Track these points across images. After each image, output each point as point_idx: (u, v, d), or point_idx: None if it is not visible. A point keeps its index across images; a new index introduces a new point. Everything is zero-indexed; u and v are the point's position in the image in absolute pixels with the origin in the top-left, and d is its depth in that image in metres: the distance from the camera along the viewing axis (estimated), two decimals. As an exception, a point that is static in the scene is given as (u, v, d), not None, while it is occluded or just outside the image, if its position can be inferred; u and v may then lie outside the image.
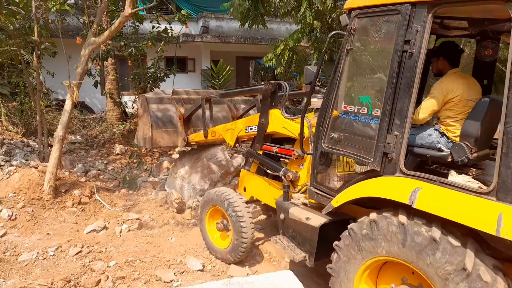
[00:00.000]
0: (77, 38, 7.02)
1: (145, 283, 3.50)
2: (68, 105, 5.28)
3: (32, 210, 4.77)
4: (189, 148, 5.58)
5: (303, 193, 3.36)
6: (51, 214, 4.84)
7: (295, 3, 7.43)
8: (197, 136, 4.93)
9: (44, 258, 3.85)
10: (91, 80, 8.63)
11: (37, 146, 7.20)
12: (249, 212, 3.62)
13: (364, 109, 2.62)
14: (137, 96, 10.04)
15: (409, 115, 2.38)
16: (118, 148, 8.02)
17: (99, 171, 6.61)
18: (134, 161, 7.42)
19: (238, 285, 2.73)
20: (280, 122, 3.55)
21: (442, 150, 2.86)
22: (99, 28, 6.87)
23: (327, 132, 2.86)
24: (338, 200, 2.70)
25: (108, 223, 4.69)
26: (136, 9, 5.54)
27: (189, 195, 5.28)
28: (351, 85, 2.83)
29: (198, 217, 4.11)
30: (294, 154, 3.36)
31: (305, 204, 3.30)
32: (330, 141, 2.84)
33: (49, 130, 7.36)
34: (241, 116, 5.11)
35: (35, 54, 6.54)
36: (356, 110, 2.68)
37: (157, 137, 4.91)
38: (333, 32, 2.84)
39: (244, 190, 4.15)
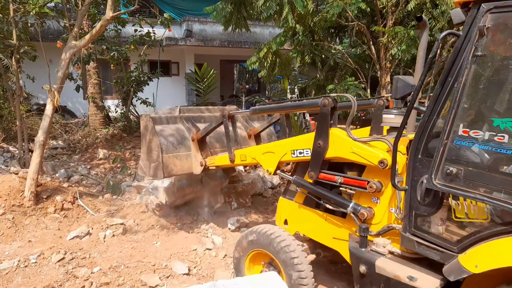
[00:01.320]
0: (58, 41, 6.94)
1: (130, 288, 3.49)
2: (49, 109, 5.20)
3: (13, 217, 4.67)
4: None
5: (381, 234, 2.70)
6: (32, 221, 4.75)
7: (277, 7, 7.50)
8: (219, 160, 4.14)
9: (26, 266, 3.78)
10: (73, 84, 8.53)
11: (17, 152, 7.05)
12: (306, 257, 2.98)
13: (503, 136, 1.95)
14: (120, 102, 9.96)
15: None
16: (101, 152, 7.93)
17: (82, 176, 6.52)
18: (118, 165, 7.35)
19: None
20: (347, 146, 2.78)
21: None
22: (80, 31, 6.79)
23: (442, 165, 2.15)
24: (479, 265, 1.95)
25: (92, 228, 4.64)
26: (118, 12, 5.52)
27: (172, 198, 5.13)
28: (478, 104, 2.14)
29: (234, 263, 3.43)
30: (371, 187, 2.64)
31: (392, 253, 2.57)
32: (446, 177, 2.13)
33: (29, 136, 7.22)
34: (258, 134, 4.65)
35: (14, 58, 6.42)
36: (487, 137, 2.01)
37: (169, 164, 4.11)
38: (445, 33, 2.25)
39: (285, 223, 3.45)
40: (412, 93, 2.41)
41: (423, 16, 2.79)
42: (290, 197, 3.45)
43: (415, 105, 2.40)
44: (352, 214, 2.77)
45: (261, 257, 3.24)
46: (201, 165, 4.24)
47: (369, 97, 9.32)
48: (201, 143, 4.30)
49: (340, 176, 2.87)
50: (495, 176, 2.02)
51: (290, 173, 3.43)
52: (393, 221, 2.64)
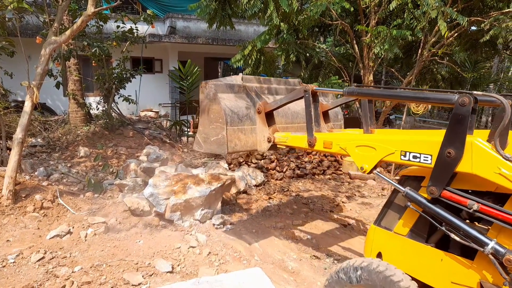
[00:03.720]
0: (37, 37, 6.76)
1: (112, 287, 3.44)
2: (27, 106, 5.07)
3: (-10, 217, 4.55)
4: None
5: None
6: (10, 220, 4.63)
7: (262, 5, 7.51)
8: (293, 140, 3.53)
9: (4, 266, 3.68)
10: (53, 81, 8.34)
11: (-6, 149, 6.85)
12: None
13: None
14: (102, 99, 9.79)
15: None
16: (82, 150, 7.78)
17: (62, 175, 6.39)
18: (100, 163, 7.23)
19: (207, 284, 2.75)
20: (493, 164, 2.14)
21: None
22: (61, 27, 6.65)
23: None
24: None
25: (73, 227, 4.55)
26: (100, 8, 5.43)
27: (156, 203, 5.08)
28: None
29: None
30: None
31: None
32: None
33: (7, 133, 7.03)
34: (327, 111, 3.93)
35: (-9, 54, 6.24)
36: None
37: (233, 138, 3.63)
38: None
39: (379, 256, 2.83)
40: None
41: None
42: (387, 227, 2.80)
43: None
44: (491, 257, 2.13)
45: None
46: (269, 141, 3.70)
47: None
48: (268, 117, 3.76)
49: (476, 201, 2.21)
50: None
51: (397, 182, 2.75)
52: None
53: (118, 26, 8.95)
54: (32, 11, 7.06)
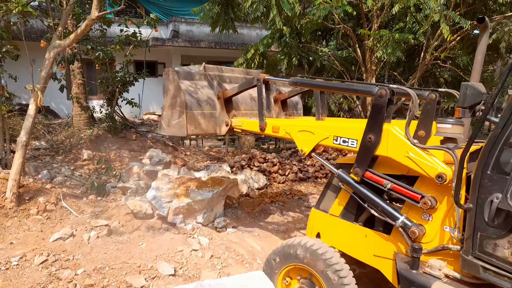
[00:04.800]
0: (41, 41, 6.82)
1: (115, 290, 3.45)
2: (31, 109, 5.11)
3: (-6, 219, 4.57)
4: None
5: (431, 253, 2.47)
6: (14, 223, 4.66)
7: (265, 9, 7.54)
8: (247, 124, 3.79)
9: (7, 268, 3.70)
10: (57, 85, 8.38)
11: (-2, 152, 6.89)
12: (353, 276, 2.75)
13: None
14: (105, 103, 9.85)
15: None
16: (85, 153, 7.81)
17: (65, 178, 6.42)
18: (103, 166, 7.26)
19: (209, 287, 2.75)
20: (403, 148, 2.47)
21: None
22: (65, 31, 6.69)
23: None
24: None
25: (76, 230, 4.57)
26: (104, 12, 5.47)
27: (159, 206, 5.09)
28: None
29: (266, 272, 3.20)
30: (425, 203, 2.39)
31: (448, 277, 2.34)
32: None
33: (11, 136, 7.06)
34: (285, 100, 4.29)
35: (-4, 57, 6.29)
36: None
37: (192, 122, 3.84)
38: None
39: (318, 236, 3.23)
40: (484, 102, 2.20)
41: (486, 17, 2.57)
42: (324, 209, 3.21)
43: (490, 118, 2.18)
44: (401, 229, 2.50)
45: (297, 271, 3.05)
46: (227, 125, 3.95)
47: (355, 100, 9.44)
48: (227, 103, 4.03)
49: (390, 181, 2.57)
50: None
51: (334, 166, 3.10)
52: (446, 241, 2.42)
53: (121, 30, 9.00)
54: (36, 15, 7.12)
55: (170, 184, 5.01)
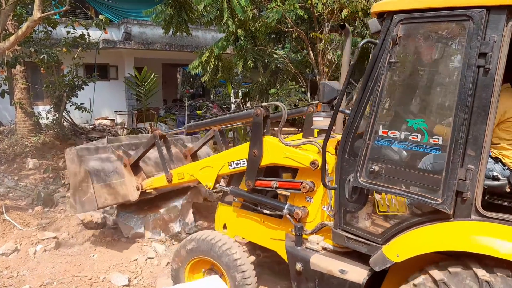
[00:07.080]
0: (-22, 42, 6.33)
1: (64, 305, 3.27)
2: (-33, 117, 4.73)
3: None
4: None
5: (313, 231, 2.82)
6: (-52, 240, 4.29)
7: (218, 12, 7.51)
8: (156, 181, 4.06)
9: None
10: (-3, 90, 7.84)
11: None
12: (248, 257, 3.06)
13: (416, 135, 2.11)
14: (52, 108, 9.35)
15: (486, 144, 1.95)
16: (31, 162, 7.36)
17: (8, 189, 6.01)
18: (50, 175, 6.87)
19: (164, 296, 2.69)
20: (281, 151, 2.88)
21: (498, 179, 2.44)
22: (4, 32, 6.28)
23: (365, 163, 2.28)
24: (400, 254, 2.08)
25: (20, 244, 4.29)
26: (47, 13, 5.20)
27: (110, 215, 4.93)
28: (395, 106, 2.36)
29: (172, 275, 3.36)
30: (304, 187, 2.75)
31: (325, 249, 2.70)
32: (370, 175, 2.26)
33: None
34: (194, 153, 4.66)
35: None
36: (403, 137, 2.17)
37: (101, 193, 3.91)
38: (364, 41, 2.42)
39: (224, 227, 3.49)
40: (337, 97, 2.53)
41: (346, 24, 2.97)
42: (228, 203, 3.48)
43: (340, 109, 2.52)
44: (287, 215, 2.86)
45: (201, 264, 3.24)
46: (138, 189, 4.15)
47: (309, 101, 9.66)
48: (135, 168, 4.25)
49: (275, 181, 2.96)
50: (411, 172, 2.21)
51: (226, 184, 3.45)
52: (325, 219, 2.77)
53: (68, 32, 8.60)
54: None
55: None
